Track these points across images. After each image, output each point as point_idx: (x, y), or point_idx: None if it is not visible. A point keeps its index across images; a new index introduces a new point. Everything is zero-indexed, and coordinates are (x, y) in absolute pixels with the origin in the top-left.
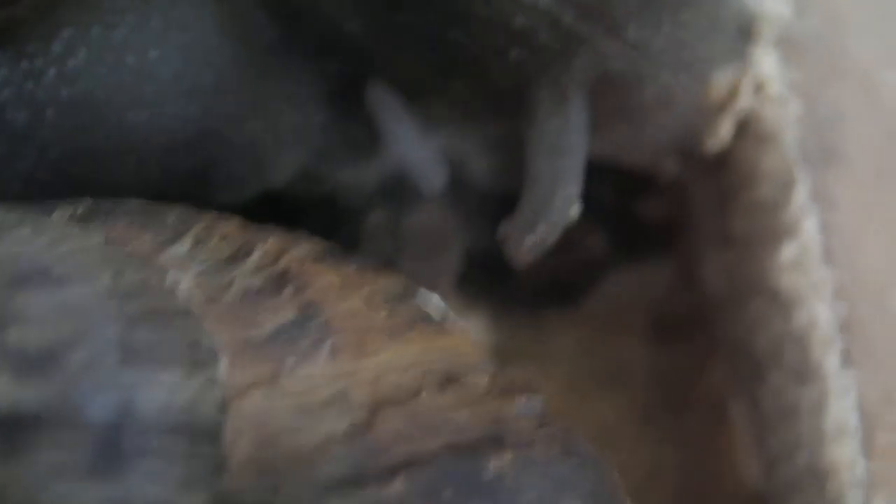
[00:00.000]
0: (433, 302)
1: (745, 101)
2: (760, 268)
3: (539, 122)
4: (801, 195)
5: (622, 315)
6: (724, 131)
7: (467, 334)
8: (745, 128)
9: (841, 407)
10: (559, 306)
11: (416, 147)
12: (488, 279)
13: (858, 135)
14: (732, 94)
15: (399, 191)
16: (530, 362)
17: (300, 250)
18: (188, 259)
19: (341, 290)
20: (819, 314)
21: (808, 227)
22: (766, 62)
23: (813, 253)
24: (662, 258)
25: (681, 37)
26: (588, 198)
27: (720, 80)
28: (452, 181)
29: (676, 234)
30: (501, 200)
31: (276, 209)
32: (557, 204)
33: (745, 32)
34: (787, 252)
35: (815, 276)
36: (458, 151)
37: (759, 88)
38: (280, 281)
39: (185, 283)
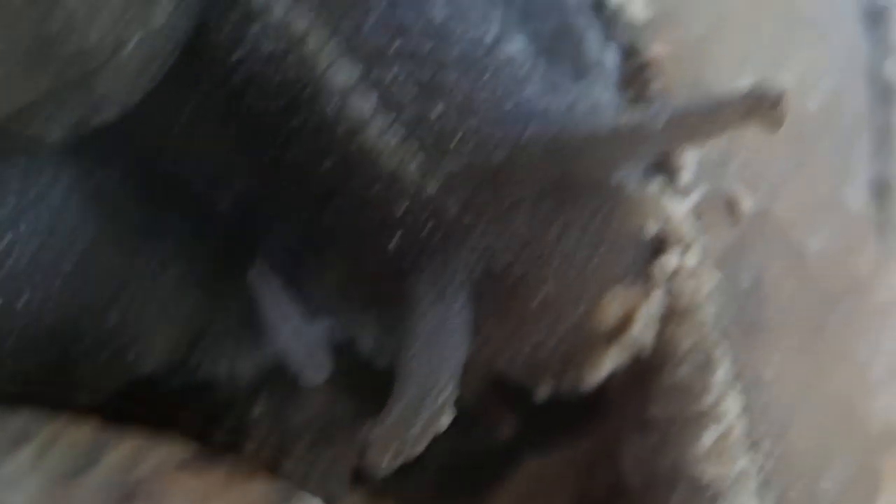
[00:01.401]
0: None
1: (638, 332)
2: (681, 456)
3: (416, 316)
4: (720, 376)
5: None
6: (605, 367)
7: None
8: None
9: None
10: (470, 497)
11: (297, 335)
12: (393, 470)
13: (782, 302)
14: (625, 322)
15: (283, 379)
16: None
17: (160, 456)
18: (24, 476)
19: (202, 501)
20: None
21: (730, 411)
22: (681, 228)
23: (736, 439)
24: (578, 442)
25: (572, 243)
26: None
27: (612, 304)
28: (343, 362)
29: (593, 415)
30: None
31: (151, 401)
32: (428, 409)
33: (651, 250)
34: (708, 439)
35: (738, 465)
36: (347, 330)
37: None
38: (128, 498)
39: (18, 502)
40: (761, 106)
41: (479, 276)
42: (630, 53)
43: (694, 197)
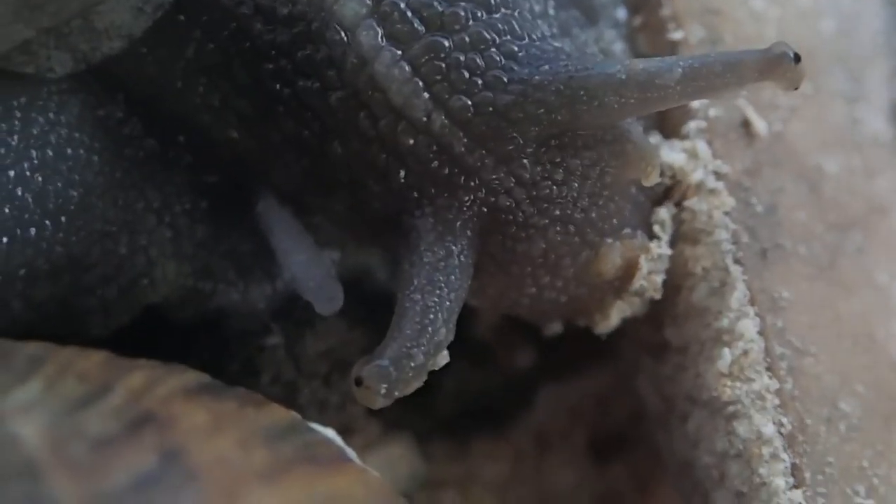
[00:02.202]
0: (328, 437)
1: (643, 283)
2: (699, 377)
3: (419, 252)
4: (736, 298)
5: (556, 436)
6: (614, 317)
7: (365, 473)
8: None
9: None
10: (487, 429)
11: (309, 265)
12: (410, 401)
13: (797, 227)
14: (628, 272)
15: (297, 310)
16: (458, 492)
17: (169, 386)
18: (36, 404)
19: (212, 429)
20: (763, 428)
21: (746, 333)
22: (695, 154)
23: (752, 360)
24: (596, 371)
25: (574, 190)
26: None
27: (613, 253)
28: (358, 292)
29: (608, 343)
30: None
31: (163, 334)
32: (424, 347)
33: (653, 201)
34: (725, 359)
35: (756, 385)
36: (359, 263)
37: (690, 188)
38: (140, 423)
39: (28, 431)
40: (779, 66)
41: (482, 218)
42: None
43: (703, 124)
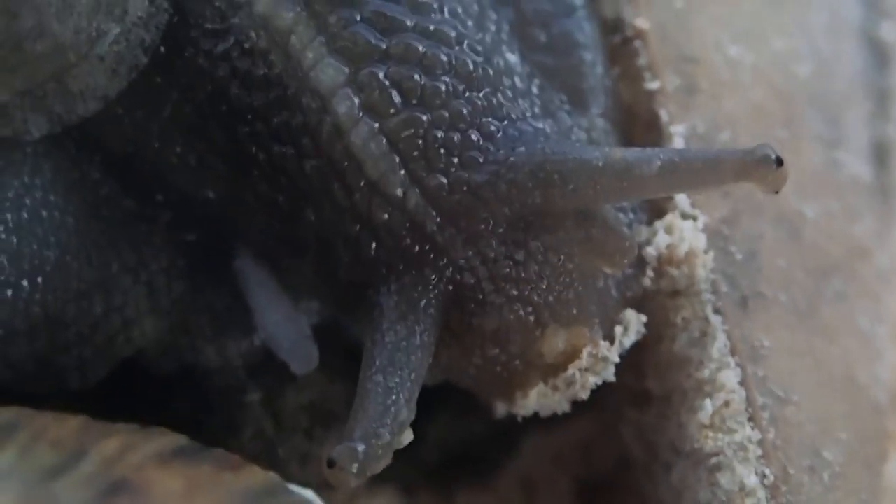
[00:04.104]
0: (306, 498)
1: (574, 373)
2: (681, 428)
3: (381, 331)
4: (717, 348)
5: (541, 484)
6: (532, 400)
7: None
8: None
9: None
10: (472, 478)
11: (285, 325)
12: (395, 452)
13: (778, 274)
14: (567, 357)
15: (275, 365)
16: None
17: (144, 451)
18: (8, 473)
19: (187, 496)
20: (746, 479)
21: (728, 383)
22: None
23: (734, 411)
24: (580, 419)
25: (535, 273)
26: None
27: (557, 338)
28: (335, 345)
29: (593, 392)
30: None
31: (144, 389)
32: (388, 427)
33: (625, 300)
34: (707, 410)
35: (738, 436)
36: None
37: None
38: (113, 491)
39: (1, 501)
40: (760, 169)
41: (446, 295)
42: (615, 27)
43: None
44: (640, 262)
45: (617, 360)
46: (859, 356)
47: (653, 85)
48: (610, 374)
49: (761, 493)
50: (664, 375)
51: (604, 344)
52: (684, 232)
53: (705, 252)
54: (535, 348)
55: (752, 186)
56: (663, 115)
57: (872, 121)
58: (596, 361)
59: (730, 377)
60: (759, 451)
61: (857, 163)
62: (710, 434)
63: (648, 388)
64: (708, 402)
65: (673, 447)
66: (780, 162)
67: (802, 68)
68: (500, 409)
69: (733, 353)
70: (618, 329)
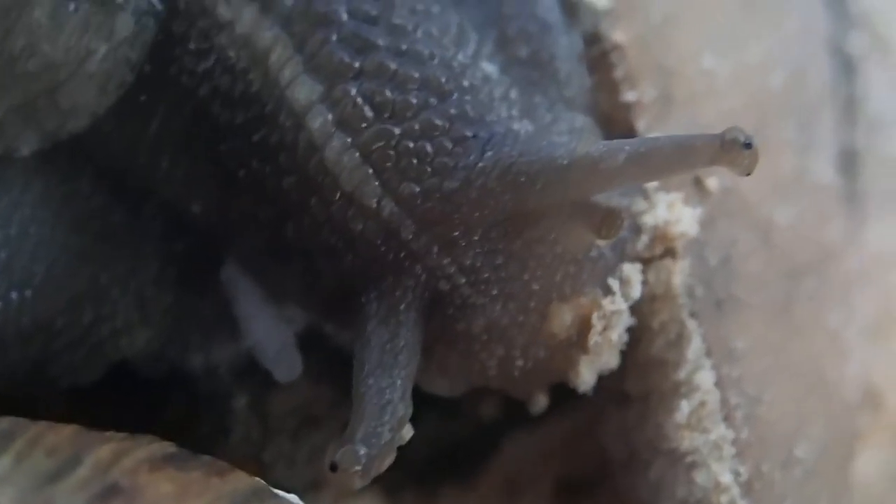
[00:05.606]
0: (290, 501)
1: (597, 339)
2: (659, 427)
3: (366, 336)
4: (693, 350)
5: (523, 482)
6: (586, 373)
7: None
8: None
9: None
10: (455, 478)
11: (270, 334)
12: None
13: (751, 277)
14: (583, 329)
15: (261, 370)
16: None
17: (136, 457)
18: (5, 479)
19: (177, 498)
20: (721, 477)
21: (704, 384)
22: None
23: (710, 411)
24: (561, 418)
25: (516, 270)
26: None
27: (562, 313)
28: (321, 350)
29: (573, 392)
30: None
31: (134, 395)
32: (388, 424)
33: (620, 257)
34: (684, 410)
35: (713, 435)
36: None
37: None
38: (107, 495)
39: None
40: (730, 151)
41: (424, 301)
42: (593, 40)
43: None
44: (636, 228)
45: (625, 307)
46: (830, 356)
47: (630, 96)
48: (629, 321)
49: (735, 490)
50: (642, 377)
51: (607, 300)
52: (683, 214)
53: (682, 258)
54: (545, 331)
55: (725, 168)
56: (640, 125)
57: (839, 129)
58: (608, 319)
59: (705, 378)
60: (734, 450)
61: (825, 168)
62: (687, 434)
63: (627, 390)
64: (684, 402)
65: (651, 446)
66: (749, 144)
67: (776, 78)
68: (487, 409)
69: (708, 354)
70: (614, 283)
